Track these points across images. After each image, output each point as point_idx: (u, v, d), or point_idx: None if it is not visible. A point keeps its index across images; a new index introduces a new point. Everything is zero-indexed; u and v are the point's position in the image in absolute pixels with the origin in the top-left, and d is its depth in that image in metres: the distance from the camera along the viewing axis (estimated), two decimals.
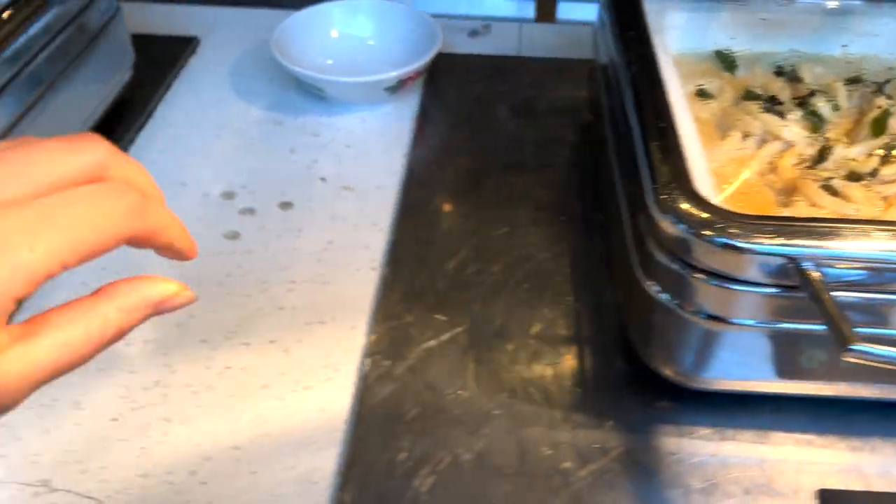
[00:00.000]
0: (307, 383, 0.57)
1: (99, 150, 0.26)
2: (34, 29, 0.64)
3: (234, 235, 0.69)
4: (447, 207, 0.72)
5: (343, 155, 0.78)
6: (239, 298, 0.63)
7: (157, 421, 0.54)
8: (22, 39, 0.62)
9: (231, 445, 0.53)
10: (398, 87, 0.81)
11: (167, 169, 0.76)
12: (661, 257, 0.47)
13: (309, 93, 0.85)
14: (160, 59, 0.88)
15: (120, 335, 0.27)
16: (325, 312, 0.62)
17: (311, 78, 0.80)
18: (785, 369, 0.51)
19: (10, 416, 0.52)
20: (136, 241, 0.27)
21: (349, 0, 0.87)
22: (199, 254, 0.70)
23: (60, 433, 0.53)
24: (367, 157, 0.78)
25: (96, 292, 0.26)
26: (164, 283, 0.28)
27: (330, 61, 0.86)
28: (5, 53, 0.60)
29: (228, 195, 0.73)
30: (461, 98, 0.86)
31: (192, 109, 0.83)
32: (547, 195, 0.73)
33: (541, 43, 0.95)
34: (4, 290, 0.22)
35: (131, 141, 0.78)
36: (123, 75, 0.80)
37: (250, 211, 0.71)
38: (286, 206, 0.72)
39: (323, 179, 0.75)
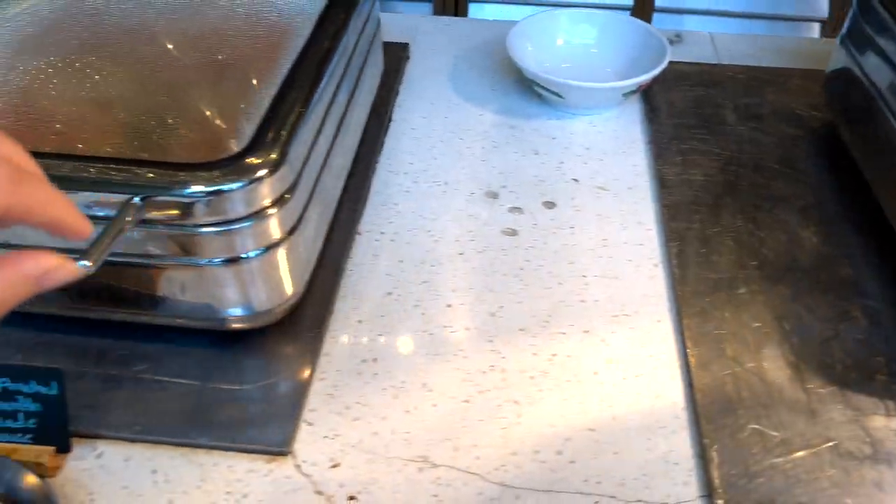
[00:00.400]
0: (636, 371, 0.60)
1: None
2: (340, 47, 0.67)
3: (511, 232, 0.72)
4: (709, 207, 0.75)
5: (585, 157, 0.82)
6: (539, 290, 0.66)
7: (507, 403, 0.57)
8: (335, 58, 0.65)
9: (586, 427, 0.56)
10: (632, 93, 0.84)
11: (422, 170, 0.79)
12: None
13: (533, 97, 0.89)
14: (385, 65, 0.92)
15: (4, 309, 0.28)
16: (626, 305, 0.65)
17: (551, 83, 0.83)
18: None
19: (369, 398, 0.56)
20: (13, 216, 0.28)
21: (575, 9, 0.91)
22: (489, 247, 0.75)
23: (421, 413, 0.56)
24: (609, 159, 0.81)
25: None
26: (45, 258, 0.29)
27: (564, 65, 0.90)
28: (326, 76, 0.63)
29: (492, 195, 0.77)
30: (682, 102, 0.89)
31: (426, 114, 0.87)
32: (802, 194, 0.76)
33: (737, 52, 0.98)
34: None
35: (382, 143, 0.82)
36: (377, 83, 0.83)
37: (518, 209, 0.75)
38: (549, 205, 0.76)
39: (575, 180, 0.79)
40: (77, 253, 0.39)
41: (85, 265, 0.43)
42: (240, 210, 0.50)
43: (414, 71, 0.94)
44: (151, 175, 0.49)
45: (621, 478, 0.53)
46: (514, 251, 0.70)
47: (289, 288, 0.57)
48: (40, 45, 0.61)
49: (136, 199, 0.48)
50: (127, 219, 0.47)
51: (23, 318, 0.61)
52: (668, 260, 0.69)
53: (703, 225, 0.73)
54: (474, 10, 1.58)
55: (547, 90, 0.85)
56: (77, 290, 0.57)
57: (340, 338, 0.62)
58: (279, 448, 0.53)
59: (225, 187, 0.49)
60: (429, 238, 0.71)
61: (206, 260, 0.52)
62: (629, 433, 0.56)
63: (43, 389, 0.51)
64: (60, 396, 0.51)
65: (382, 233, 0.72)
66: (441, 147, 0.82)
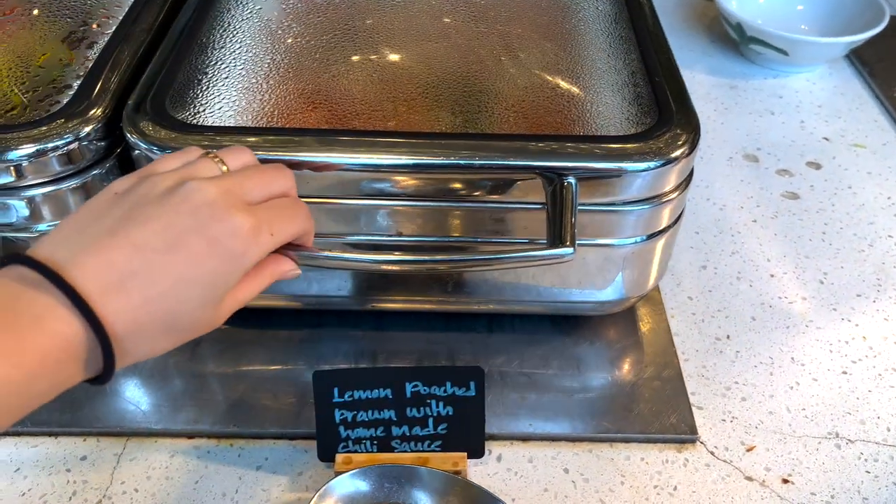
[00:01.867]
0: None
1: (290, 177, 0.38)
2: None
3: (792, 196, 0.69)
4: None
5: (822, 115, 0.79)
6: (854, 254, 0.63)
7: (886, 372, 0.55)
8: None
9: None
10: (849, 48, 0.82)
11: None
12: None
13: (736, 55, 0.86)
14: None
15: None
16: None
17: (781, 39, 0.80)
18: None
19: (745, 376, 0.53)
20: (299, 238, 0.38)
21: None
22: (779, 213, 0.73)
23: (805, 389, 0.53)
24: (847, 116, 0.79)
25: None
26: (288, 263, 0.38)
27: (760, 21, 0.87)
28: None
29: (752, 157, 0.74)
30: (892, 54, 0.87)
31: None
32: None
33: None
34: (256, 255, 0.34)
35: None
36: None
37: (786, 172, 0.72)
38: (814, 165, 0.73)
39: (826, 139, 0.76)
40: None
41: (568, 252, 0.40)
42: (663, 186, 0.46)
43: None
44: (585, 151, 0.44)
45: None
46: (806, 215, 0.67)
47: (654, 277, 0.53)
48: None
49: (570, 180, 0.44)
50: (574, 200, 0.43)
51: (356, 316, 0.56)
52: None
53: None
54: None
55: (771, 46, 0.81)
56: (422, 282, 0.52)
57: (679, 317, 0.58)
58: (689, 435, 0.50)
59: (654, 163, 0.45)
60: (711, 205, 0.68)
61: (621, 240, 0.48)
62: None
63: (459, 391, 0.46)
64: (478, 398, 0.46)
65: None
66: None
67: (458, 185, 0.46)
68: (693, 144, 0.46)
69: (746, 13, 0.86)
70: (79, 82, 0.49)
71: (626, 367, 0.54)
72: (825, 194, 0.70)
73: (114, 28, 0.54)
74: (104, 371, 0.31)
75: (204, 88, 0.49)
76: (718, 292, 0.60)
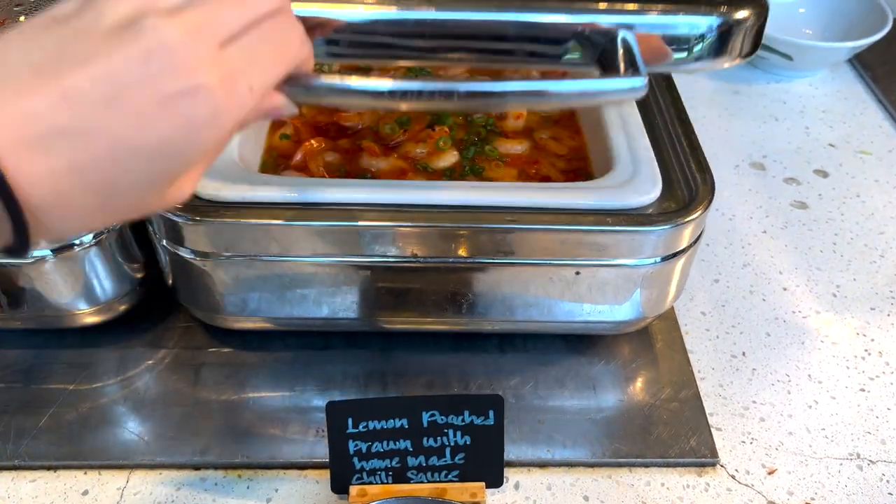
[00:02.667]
0: None
1: None
2: None
3: (801, 205, 0.69)
4: None
5: (826, 120, 0.78)
6: (865, 265, 0.63)
7: None
8: None
9: None
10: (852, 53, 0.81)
11: None
12: None
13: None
14: None
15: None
16: None
17: (785, 44, 0.79)
18: None
19: (763, 395, 0.52)
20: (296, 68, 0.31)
21: None
22: (789, 223, 0.75)
23: (824, 408, 0.52)
24: (852, 121, 0.78)
25: None
26: (278, 99, 0.32)
27: None
28: None
29: (758, 165, 0.73)
30: (894, 59, 0.86)
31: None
32: None
33: None
34: (229, 120, 0.28)
35: None
36: None
37: (794, 181, 0.71)
38: (821, 173, 0.72)
39: (832, 146, 0.75)
40: None
41: (640, 83, 0.36)
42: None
43: None
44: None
45: None
46: (816, 225, 0.67)
47: (672, 296, 0.52)
48: None
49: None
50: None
51: (364, 337, 0.55)
52: None
53: None
54: None
55: (775, 51, 0.80)
56: (437, 300, 0.50)
57: (694, 333, 0.57)
58: (709, 459, 0.49)
59: None
60: (721, 216, 0.67)
61: (641, 261, 0.47)
62: None
63: (478, 420, 0.45)
64: (498, 426, 0.45)
65: None
66: None
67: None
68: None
69: None
70: None
71: (642, 387, 0.53)
72: (834, 203, 0.69)
73: None
74: (15, 244, 0.26)
75: None
76: (732, 307, 0.59)
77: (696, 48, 0.40)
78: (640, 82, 0.36)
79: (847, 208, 0.68)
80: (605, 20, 0.38)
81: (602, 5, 0.39)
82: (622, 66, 0.37)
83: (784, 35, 0.79)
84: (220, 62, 0.27)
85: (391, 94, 0.34)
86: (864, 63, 0.85)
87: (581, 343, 0.55)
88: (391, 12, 0.38)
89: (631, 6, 0.38)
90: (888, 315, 0.59)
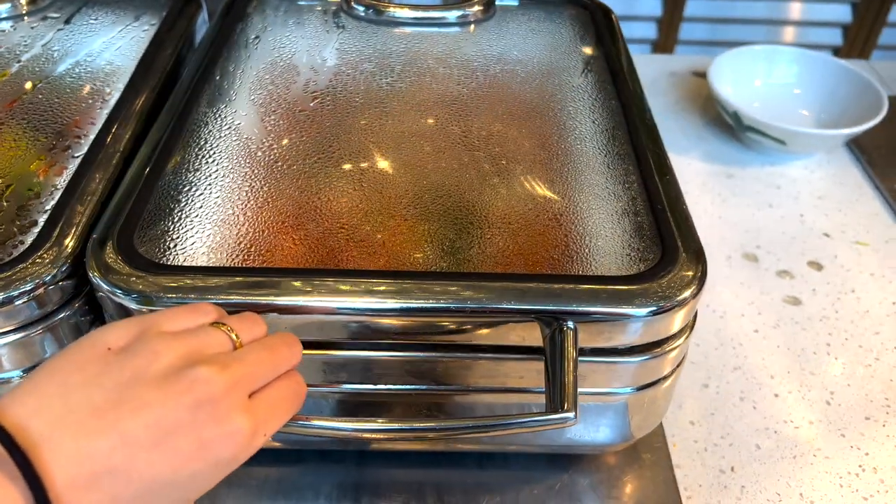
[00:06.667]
0: None
1: (298, 352, 0.36)
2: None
3: (794, 301, 0.67)
4: None
5: (822, 207, 0.77)
6: (860, 369, 0.61)
7: None
8: None
9: None
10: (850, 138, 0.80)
11: None
12: None
13: (732, 140, 0.84)
14: None
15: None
16: None
17: (777, 130, 0.78)
18: None
19: None
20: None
21: (772, 47, 0.86)
22: (781, 321, 0.71)
23: None
24: (848, 209, 0.77)
25: None
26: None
27: (755, 104, 0.85)
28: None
29: (751, 257, 0.71)
30: (892, 139, 0.85)
31: None
32: None
33: None
34: (244, 458, 0.32)
35: None
36: None
37: (787, 273, 0.70)
38: (815, 266, 0.71)
39: (827, 235, 0.74)
40: None
41: (569, 417, 0.37)
42: (668, 330, 0.44)
43: None
44: (586, 292, 0.42)
45: None
46: (809, 324, 0.65)
47: (661, 415, 0.50)
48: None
49: (569, 325, 0.41)
50: (575, 349, 0.40)
51: (338, 451, 0.53)
52: None
53: None
54: None
55: (769, 136, 0.80)
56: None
57: (681, 444, 0.56)
58: None
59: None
60: (711, 312, 0.66)
61: (622, 389, 0.45)
62: None
63: None
64: None
65: None
66: None
67: (448, 329, 0.43)
68: (701, 284, 0.44)
69: (742, 98, 0.85)
70: (45, 217, 0.46)
71: None
72: (828, 299, 0.67)
73: (85, 150, 0.51)
74: None
75: (175, 219, 0.46)
76: (721, 415, 0.58)
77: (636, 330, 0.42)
78: (570, 417, 0.38)
79: (841, 304, 0.67)
80: (550, 309, 0.41)
81: (547, 290, 0.42)
82: (564, 371, 0.40)
83: (779, 118, 0.78)
84: (251, 411, 0.31)
85: (358, 431, 0.40)
86: (860, 146, 0.84)
87: (564, 458, 0.53)
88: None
89: (574, 296, 0.42)
90: (883, 425, 0.57)
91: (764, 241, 0.73)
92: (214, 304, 0.37)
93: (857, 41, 1.44)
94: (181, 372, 0.30)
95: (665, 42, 1.35)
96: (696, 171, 0.81)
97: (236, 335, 0.34)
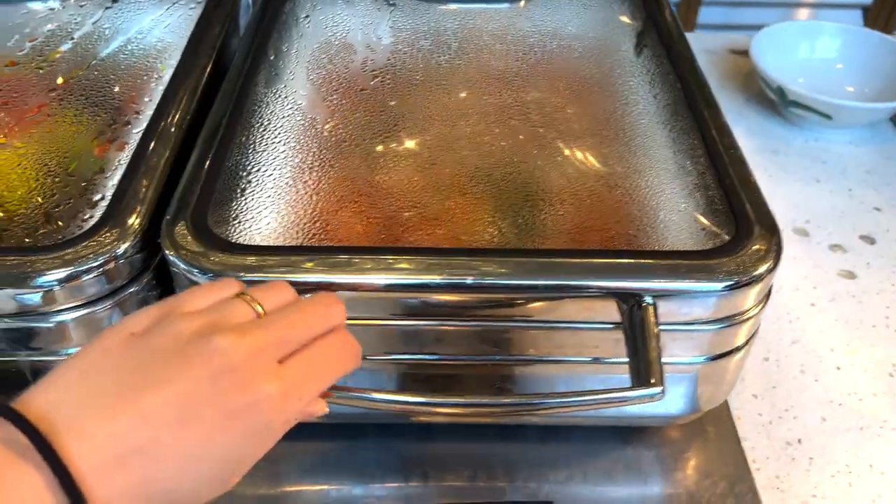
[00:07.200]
0: None
1: (339, 311, 0.34)
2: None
3: (849, 275, 0.66)
4: None
5: (870, 181, 0.76)
6: None
7: None
8: None
9: None
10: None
11: None
12: None
13: (774, 115, 0.84)
14: None
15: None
16: None
17: (823, 104, 0.77)
18: None
19: (823, 488, 0.49)
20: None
21: (813, 22, 0.85)
22: (837, 295, 0.75)
23: (890, 502, 0.50)
24: (893, 182, 0.76)
25: None
26: (316, 404, 0.33)
27: (801, 80, 0.84)
28: None
29: (802, 231, 0.70)
30: None
31: None
32: None
33: None
34: (281, 429, 0.31)
35: None
36: None
37: (839, 248, 0.69)
38: (868, 239, 0.70)
39: (878, 209, 0.73)
40: None
41: (657, 392, 0.36)
42: (744, 304, 0.43)
43: None
44: (665, 269, 0.41)
45: None
46: (865, 297, 0.64)
47: (730, 388, 0.49)
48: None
49: (648, 300, 0.40)
50: (655, 325, 0.40)
51: (398, 425, 0.53)
52: None
53: None
54: None
55: (813, 111, 0.79)
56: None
57: (745, 418, 0.55)
58: None
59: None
60: None
61: (695, 358, 0.44)
62: None
63: None
64: None
65: None
66: None
67: (523, 305, 0.42)
68: (777, 258, 0.43)
69: (785, 74, 0.83)
70: (111, 192, 0.45)
71: (696, 480, 0.51)
72: (883, 273, 0.66)
73: (144, 126, 0.50)
74: None
75: (247, 199, 0.46)
76: (783, 388, 0.57)
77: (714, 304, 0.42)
78: (657, 391, 0.37)
79: None
80: (628, 286, 0.41)
81: (624, 267, 0.41)
82: (647, 346, 0.39)
83: (824, 92, 0.77)
84: (280, 376, 0.30)
85: (426, 405, 0.39)
86: None
87: (627, 431, 0.53)
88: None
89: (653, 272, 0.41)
90: None
91: (813, 216, 0.72)
92: (285, 281, 0.36)
93: (877, 22, 1.43)
94: (199, 345, 0.29)
95: (684, 26, 1.34)
96: (741, 149, 0.80)
97: (259, 304, 0.32)
